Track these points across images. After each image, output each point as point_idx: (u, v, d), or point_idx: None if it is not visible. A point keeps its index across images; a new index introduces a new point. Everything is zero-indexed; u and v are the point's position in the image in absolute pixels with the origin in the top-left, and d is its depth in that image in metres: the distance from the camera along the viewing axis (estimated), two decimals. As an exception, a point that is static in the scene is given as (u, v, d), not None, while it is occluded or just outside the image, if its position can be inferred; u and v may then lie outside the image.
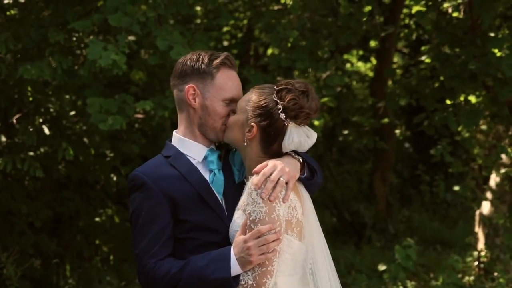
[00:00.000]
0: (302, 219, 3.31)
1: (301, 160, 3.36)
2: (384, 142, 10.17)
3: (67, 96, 8.21)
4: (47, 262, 8.48)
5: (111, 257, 9.22)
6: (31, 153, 7.72)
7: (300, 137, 3.30)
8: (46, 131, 7.76)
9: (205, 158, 3.47)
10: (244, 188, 3.31)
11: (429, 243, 11.49)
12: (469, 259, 9.32)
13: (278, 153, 3.32)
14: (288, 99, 3.26)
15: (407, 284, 8.45)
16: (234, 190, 3.40)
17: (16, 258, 7.63)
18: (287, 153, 3.34)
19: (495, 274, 8.76)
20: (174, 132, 3.55)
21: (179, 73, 3.50)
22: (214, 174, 3.43)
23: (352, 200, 12.49)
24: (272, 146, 3.31)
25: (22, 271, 7.70)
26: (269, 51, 11.54)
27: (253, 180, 3.22)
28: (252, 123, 3.30)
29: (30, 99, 7.75)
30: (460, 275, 8.75)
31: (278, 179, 3.20)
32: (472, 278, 8.71)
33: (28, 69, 6.35)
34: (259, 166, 3.25)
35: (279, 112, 3.27)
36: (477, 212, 9.44)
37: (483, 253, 9.04)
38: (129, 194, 3.42)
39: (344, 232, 12.02)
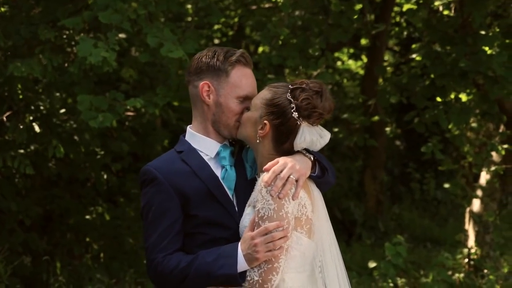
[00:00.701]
0: (312, 217, 3.32)
1: (312, 158, 3.36)
2: (374, 140, 10.18)
3: (57, 94, 8.19)
4: (37, 259, 8.45)
5: (101, 255, 9.20)
6: (21, 151, 7.69)
7: (313, 136, 3.30)
8: (37, 128, 7.74)
9: (218, 154, 3.47)
10: (255, 185, 3.31)
11: (419, 240, 11.53)
12: (459, 256, 9.34)
13: (289, 151, 3.33)
14: (301, 98, 3.27)
15: (397, 281, 8.45)
16: (246, 186, 3.40)
17: (6, 256, 7.61)
18: (298, 151, 3.34)
19: (485, 271, 8.78)
20: (188, 127, 3.55)
21: (194, 69, 3.48)
22: (226, 170, 3.44)
23: (343, 198, 12.51)
24: (284, 144, 3.31)
25: (12, 269, 7.68)
26: (260, 49, 11.55)
27: (263, 178, 3.22)
28: (265, 121, 3.30)
29: (20, 96, 7.72)
30: (450, 272, 8.77)
31: (288, 177, 3.21)
32: (462, 275, 8.72)
33: (18, 66, 6.32)
34: (269, 164, 3.25)
35: (292, 111, 3.27)
36: (467, 210, 9.46)
37: (473, 250, 9.06)
38: (141, 188, 3.44)
39: (334, 230, 12.00)
